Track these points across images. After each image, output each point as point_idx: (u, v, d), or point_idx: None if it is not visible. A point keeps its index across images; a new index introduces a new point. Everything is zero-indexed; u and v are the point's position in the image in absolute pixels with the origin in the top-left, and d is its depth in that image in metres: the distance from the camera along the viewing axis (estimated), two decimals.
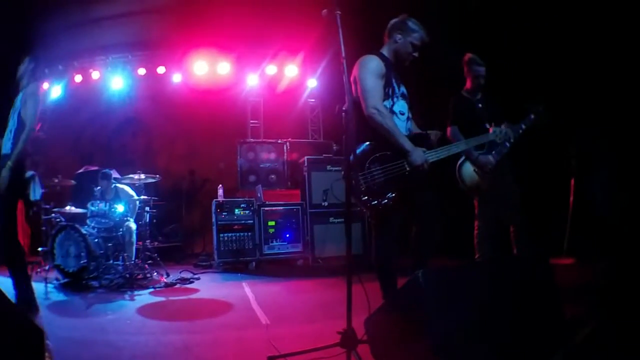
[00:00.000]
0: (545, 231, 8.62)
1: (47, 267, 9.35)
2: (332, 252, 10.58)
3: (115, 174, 10.35)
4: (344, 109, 4.38)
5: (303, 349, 4.19)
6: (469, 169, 6.99)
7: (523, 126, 6.89)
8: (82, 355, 4.81)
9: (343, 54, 4.13)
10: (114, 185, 9.96)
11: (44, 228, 9.93)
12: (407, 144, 4.80)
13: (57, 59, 13.45)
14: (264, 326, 5.77)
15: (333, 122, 12.84)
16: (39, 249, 9.97)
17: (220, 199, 10.90)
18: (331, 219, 10.78)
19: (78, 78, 13.89)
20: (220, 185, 11.18)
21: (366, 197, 4.81)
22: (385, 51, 5.33)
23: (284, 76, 13.56)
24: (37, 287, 8.35)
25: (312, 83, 13.84)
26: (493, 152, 6.81)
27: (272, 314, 6.30)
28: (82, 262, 8.55)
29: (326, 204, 10.74)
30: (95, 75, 13.74)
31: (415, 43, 5.21)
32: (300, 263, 10.89)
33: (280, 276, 9.69)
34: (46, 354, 3.73)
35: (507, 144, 6.81)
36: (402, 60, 5.31)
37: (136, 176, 9.50)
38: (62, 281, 8.77)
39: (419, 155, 4.79)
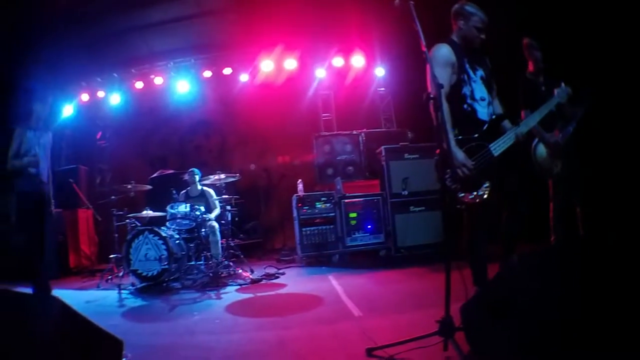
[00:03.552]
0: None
1: (120, 274, 9.40)
2: (414, 241, 10.16)
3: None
4: (431, 96, 4.18)
5: (397, 339, 4.07)
6: (542, 151, 7.11)
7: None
8: None
9: (424, 43, 4.12)
10: (200, 186, 10.12)
11: (116, 235, 9.94)
12: (452, 145, 4.56)
13: (110, 67, 13.47)
14: (356, 318, 5.58)
15: (406, 110, 12.55)
16: (111, 256, 9.99)
17: (301, 193, 10.69)
18: (412, 208, 10.34)
19: (139, 84, 14.01)
20: (300, 180, 10.96)
21: (462, 193, 4.75)
22: (455, 37, 5.29)
23: (351, 67, 13.23)
24: (110, 294, 8.41)
25: (379, 72, 13.47)
26: (560, 134, 6.90)
27: (363, 305, 6.08)
28: (163, 264, 8.50)
29: (406, 192, 10.36)
30: (158, 80, 13.84)
31: (477, 26, 5.17)
32: (383, 254, 10.50)
33: (364, 268, 9.46)
34: None
35: (571, 128, 6.89)
36: (472, 44, 5.24)
37: (216, 176, 9.47)
38: (138, 286, 8.70)
39: (460, 156, 4.65)
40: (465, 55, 5.15)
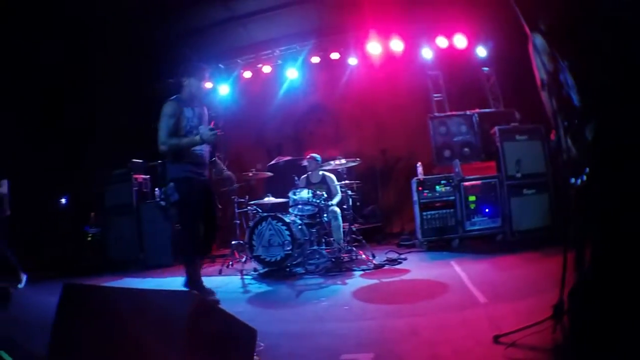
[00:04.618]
0: None
1: (243, 259, 9.64)
2: (528, 225, 9.92)
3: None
4: (545, 83, 4.09)
5: (519, 325, 4.02)
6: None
7: None
8: (301, 348, 4.47)
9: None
10: (320, 172, 10.10)
11: (237, 222, 10.15)
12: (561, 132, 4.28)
13: (216, 58, 13.67)
14: (482, 305, 5.44)
15: (512, 89, 12.19)
16: (232, 242, 10.19)
17: (421, 176, 10.50)
18: (524, 191, 10.08)
19: (247, 74, 14.26)
20: (419, 163, 10.75)
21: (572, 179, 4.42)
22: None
23: (455, 47, 12.95)
24: (233, 280, 8.51)
25: (481, 52, 13.12)
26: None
27: (487, 292, 5.93)
28: (286, 249, 8.57)
29: (519, 175, 10.10)
30: (266, 69, 14.02)
31: None
32: (500, 238, 10.25)
33: (483, 252, 9.21)
34: (255, 357, 3.56)
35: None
36: None
37: (337, 161, 9.38)
38: (261, 271, 8.82)
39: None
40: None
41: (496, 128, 10.34)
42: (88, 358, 3.36)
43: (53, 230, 13.36)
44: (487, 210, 10.18)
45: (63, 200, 14.88)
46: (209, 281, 8.75)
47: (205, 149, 6.73)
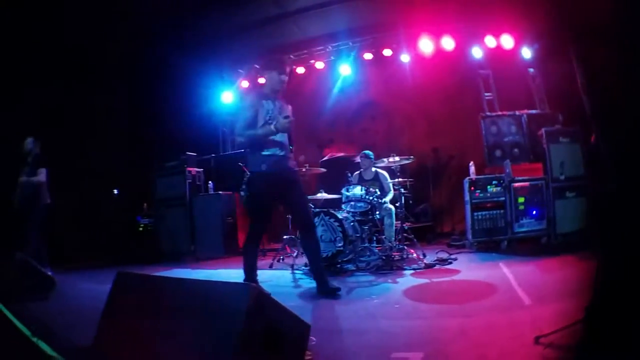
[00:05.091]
0: None
1: (294, 254, 9.64)
2: (569, 228, 9.79)
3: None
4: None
5: (558, 326, 3.99)
6: None
7: None
8: (352, 345, 4.53)
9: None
10: (373, 169, 10.14)
11: (289, 216, 10.10)
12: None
13: (268, 53, 13.82)
14: (527, 307, 5.45)
15: (556, 91, 12.09)
16: (284, 236, 10.35)
17: (473, 176, 10.42)
18: (567, 193, 10.02)
19: (300, 70, 14.36)
20: (472, 163, 10.65)
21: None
22: None
23: (502, 47, 12.86)
24: (284, 274, 8.63)
25: (526, 53, 13.00)
26: None
27: (532, 293, 5.94)
28: (337, 246, 8.61)
29: (563, 177, 10.02)
30: (319, 65, 14.14)
31: None
32: (544, 241, 10.14)
33: (529, 255, 9.16)
34: (307, 352, 3.56)
35: None
36: None
37: (391, 158, 9.35)
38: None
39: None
40: None
41: (543, 130, 10.24)
42: (136, 347, 3.45)
43: (105, 220, 13.57)
44: (534, 212, 10.09)
45: (115, 191, 15.12)
46: (259, 275, 8.89)
47: (285, 140, 6.73)
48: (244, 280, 6.62)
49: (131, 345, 3.49)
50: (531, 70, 12.84)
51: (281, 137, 6.63)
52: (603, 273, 4.58)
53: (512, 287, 6.51)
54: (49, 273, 7.88)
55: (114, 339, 3.66)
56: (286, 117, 6.49)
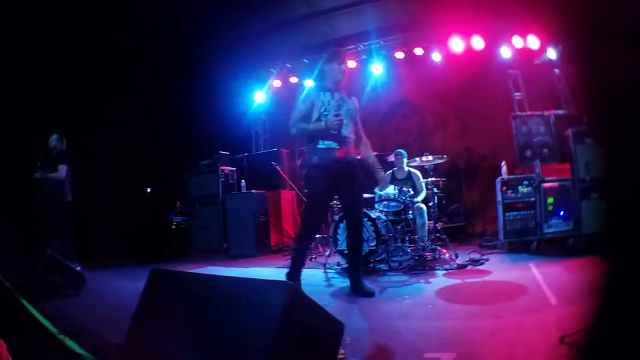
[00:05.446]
0: None
1: (326, 253, 9.72)
2: (593, 229, 9.71)
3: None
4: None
5: (582, 326, 3.98)
6: None
7: None
8: (385, 345, 4.49)
9: None
10: (406, 168, 10.20)
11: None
12: None
13: (300, 53, 14.21)
14: (554, 307, 5.44)
15: (581, 91, 12.03)
16: (317, 235, 10.33)
17: (505, 176, 10.39)
18: (592, 195, 9.93)
19: None
20: (503, 162, 10.64)
21: None
22: None
23: (529, 47, 12.83)
24: (316, 273, 8.65)
25: (552, 54, 12.93)
26: None
27: (559, 294, 5.94)
28: (370, 245, 8.58)
29: (588, 178, 9.97)
30: (351, 64, 14.02)
31: None
32: (571, 241, 10.07)
33: (557, 255, 9.17)
34: (341, 351, 3.57)
35: None
36: None
37: (424, 158, 9.36)
38: (344, 266, 8.78)
39: None
40: None
41: (570, 130, 10.22)
42: (169, 345, 3.46)
43: (139, 219, 13.71)
44: (561, 212, 10.07)
45: (148, 190, 15.28)
46: None
47: (346, 133, 6.58)
48: (287, 277, 6.55)
49: (164, 343, 3.50)
50: (557, 70, 12.81)
51: (343, 132, 6.53)
52: (612, 276, 4.61)
53: (541, 287, 6.51)
54: (78, 269, 7.94)
55: (147, 336, 3.68)
56: (336, 114, 6.36)
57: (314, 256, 10.12)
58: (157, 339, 3.56)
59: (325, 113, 6.47)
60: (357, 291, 6.61)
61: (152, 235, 13.67)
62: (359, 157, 6.86)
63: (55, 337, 4.60)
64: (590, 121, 10.63)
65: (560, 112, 11.88)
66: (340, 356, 3.57)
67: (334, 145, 6.49)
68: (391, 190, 9.17)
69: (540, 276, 7.21)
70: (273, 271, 9.52)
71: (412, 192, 9.37)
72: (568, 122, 10.84)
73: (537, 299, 5.89)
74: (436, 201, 9.42)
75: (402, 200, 9.12)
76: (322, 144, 6.50)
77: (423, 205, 9.51)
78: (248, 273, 9.51)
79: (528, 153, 11.36)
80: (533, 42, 12.45)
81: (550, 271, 7.62)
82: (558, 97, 12.61)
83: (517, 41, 12.58)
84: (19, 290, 6.91)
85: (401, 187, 9.24)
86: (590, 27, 3.86)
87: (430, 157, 9.28)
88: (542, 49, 12.50)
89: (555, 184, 10.11)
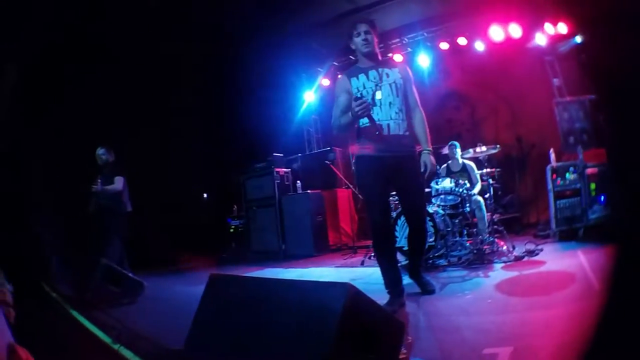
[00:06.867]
0: None
1: None
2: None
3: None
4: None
5: None
6: None
7: None
8: (445, 343, 4.52)
9: None
10: (461, 160, 10.13)
11: None
12: None
13: (345, 50, 13.92)
14: (597, 294, 5.40)
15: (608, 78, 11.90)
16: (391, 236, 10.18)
17: (554, 164, 10.19)
18: None
19: None
20: (552, 149, 10.44)
21: None
22: None
23: (559, 34, 12.66)
24: (375, 271, 8.47)
25: (577, 39, 12.74)
26: None
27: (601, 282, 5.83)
28: (429, 240, 8.45)
29: None
30: (397, 58, 14.02)
31: None
32: (609, 227, 9.96)
33: (599, 242, 8.85)
34: (402, 350, 3.58)
35: None
36: None
37: (478, 148, 9.34)
38: (403, 263, 8.50)
39: None
40: None
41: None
42: (229, 349, 3.49)
43: (196, 224, 13.88)
44: (602, 198, 9.94)
45: (205, 195, 15.48)
46: (351, 272, 9.00)
47: (390, 119, 5.73)
48: (387, 291, 6.11)
49: (223, 348, 3.54)
50: (583, 56, 12.68)
51: (382, 115, 5.74)
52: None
53: (588, 276, 6.46)
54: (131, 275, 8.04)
55: (206, 342, 3.70)
56: (356, 99, 5.29)
57: (372, 254, 9.89)
58: (216, 345, 3.61)
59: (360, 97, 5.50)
60: (419, 288, 6.61)
61: (210, 240, 13.85)
62: (409, 145, 6.02)
63: (109, 347, 4.71)
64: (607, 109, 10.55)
65: (593, 96, 11.73)
66: (402, 356, 3.58)
67: (377, 132, 5.72)
68: (448, 183, 9.09)
69: (587, 264, 7.20)
70: (332, 271, 9.57)
71: (468, 185, 9.27)
72: (599, 107, 10.72)
73: (585, 288, 5.89)
74: (492, 192, 9.34)
75: (458, 193, 9.03)
76: (364, 133, 5.88)
77: (480, 198, 9.36)
78: (307, 274, 9.59)
79: (571, 139, 11.38)
80: (562, 28, 12.32)
81: (594, 258, 7.55)
82: (586, 83, 12.51)
83: (549, 28, 12.48)
84: (67, 301, 7.08)
85: (457, 180, 9.15)
86: (614, 14, 3.83)
87: (484, 148, 9.24)
88: (570, 36, 12.38)
89: (595, 170, 9.95)
